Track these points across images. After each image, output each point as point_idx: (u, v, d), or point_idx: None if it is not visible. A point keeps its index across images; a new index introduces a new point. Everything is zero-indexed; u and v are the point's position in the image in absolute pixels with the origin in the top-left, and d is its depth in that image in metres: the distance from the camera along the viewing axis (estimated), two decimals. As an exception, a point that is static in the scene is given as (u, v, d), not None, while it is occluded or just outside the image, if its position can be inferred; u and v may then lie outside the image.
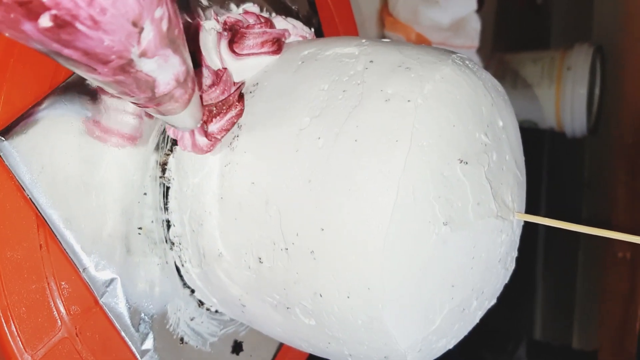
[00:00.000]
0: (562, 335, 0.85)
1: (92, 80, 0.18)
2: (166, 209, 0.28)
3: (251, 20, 0.29)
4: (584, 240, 0.82)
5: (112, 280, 0.25)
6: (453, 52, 0.25)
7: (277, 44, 0.28)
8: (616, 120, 0.74)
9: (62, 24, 0.15)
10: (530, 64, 0.69)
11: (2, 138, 0.22)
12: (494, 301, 0.27)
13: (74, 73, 0.24)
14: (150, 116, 0.27)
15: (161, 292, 0.27)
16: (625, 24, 0.74)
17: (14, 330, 0.23)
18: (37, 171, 0.23)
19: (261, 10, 0.31)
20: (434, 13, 0.54)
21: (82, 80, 0.24)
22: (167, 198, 0.28)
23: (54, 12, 0.14)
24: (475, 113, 0.24)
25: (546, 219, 0.25)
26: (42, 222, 0.24)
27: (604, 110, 0.70)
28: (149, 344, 0.27)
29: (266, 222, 0.24)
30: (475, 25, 0.57)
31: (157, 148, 0.27)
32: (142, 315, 0.27)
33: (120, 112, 0.26)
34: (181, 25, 0.19)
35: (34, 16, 0.14)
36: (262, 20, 0.29)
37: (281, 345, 0.34)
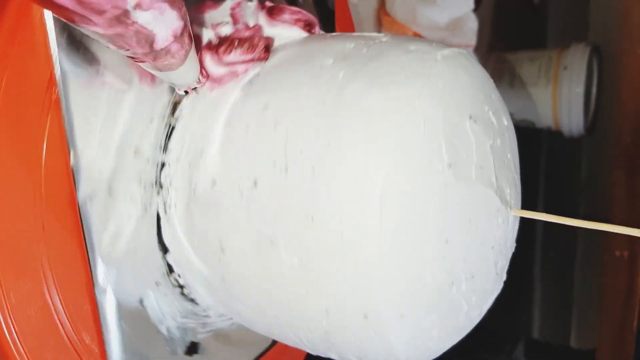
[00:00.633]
0: (560, 334, 0.85)
1: (92, 34, 0.19)
2: (165, 149, 0.28)
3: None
4: (582, 239, 0.83)
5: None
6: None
7: (309, 27, 0.30)
8: (613, 119, 0.74)
9: None
10: (528, 63, 0.69)
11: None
12: (481, 310, 0.27)
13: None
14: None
15: (130, 248, 0.27)
16: (621, 23, 0.74)
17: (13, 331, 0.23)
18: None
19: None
20: (431, 12, 0.54)
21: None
22: (169, 139, 0.28)
23: None
24: (486, 93, 0.26)
25: (542, 214, 0.25)
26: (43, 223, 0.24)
27: (601, 109, 0.70)
28: (110, 295, 0.26)
29: (271, 141, 0.24)
30: (472, 24, 0.57)
31: (172, 89, 0.28)
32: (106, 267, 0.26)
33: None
34: None
35: None
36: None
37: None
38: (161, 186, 0.28)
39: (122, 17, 0.18)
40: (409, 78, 0.23)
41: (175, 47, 0.21)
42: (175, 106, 0.28)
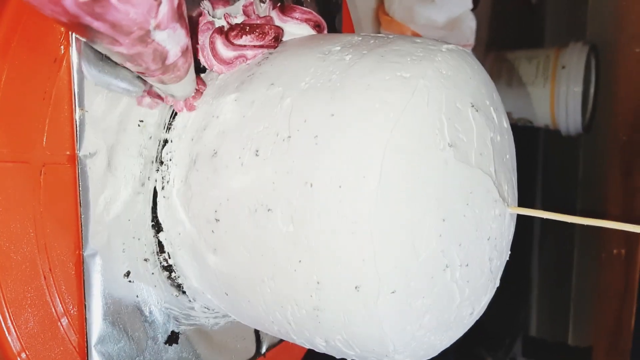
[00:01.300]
0: (557, 332, 0.85)
1: (112, 54, 0.20)
2: (169, 128, 0.28)
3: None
4: (579, 237, 0.83)
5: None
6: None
7: (318, 28, 0.31)
8: (610, 118, 0.74)
9: None
10: (525, 62, 0.69)
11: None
12: (473, 309, 0.27)
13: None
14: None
15: (123, 217, 0.27)
16: (619, 22, 0.75)
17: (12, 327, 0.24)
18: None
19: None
20: (430, 12, 0.54)
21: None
22: (174, 118, 0.28)
23: None
24: (487, 90, 0.26)
25: (539, 210, 0.26)
26: (39, 223, 0.24)
27: (598, 108, 0.70)
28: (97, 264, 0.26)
29: (276, 114, 0.25)
30: (470, 23, 0.57)
31: None
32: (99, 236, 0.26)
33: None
34: (184, 2, 0.21)
35: None
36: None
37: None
38: (161, 163, 0.28)
39: (144, 37, 0.19)
40: (415, 61, 0.24)
41: (181, 61, 0.23)
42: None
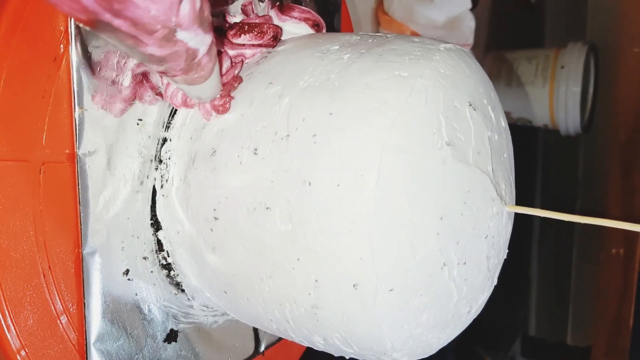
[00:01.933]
0: (556, 331, 0.85)
1: (141, 57, 0.20)
2: (168, 126, 0.28)
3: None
4: (578, 237, 0.83)
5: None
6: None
7: (317, 27, 0.31)
8: (610, 117, 0.74)
9: None
10: (525, 62, 0.69)
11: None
12: (471, 308, 0.27)
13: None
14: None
15: (123, 216, 0.27)
16: (618, 22, 0.75)
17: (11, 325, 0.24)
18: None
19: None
20: (429, 11, 0.54)
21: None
22: (173, 117, 0.28)
23: None
24: (485, 89, 0.26)
25: (536, 209, 0.26)
26: (39, 223, 0.24)
27: (597, 108, 0.70)
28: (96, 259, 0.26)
29: (274, 113, 0.25)
30: (469, 23, 0.57)
31: None
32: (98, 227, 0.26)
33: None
34: (209, 9, 0.21)
35: None
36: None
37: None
38: (160, 161, 0.28)
39: (169, 36, 0.19)
40: (412, 60, 0.24)
41: (205, 59, 0.23)
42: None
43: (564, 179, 0.84)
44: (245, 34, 0.28)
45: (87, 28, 0.18)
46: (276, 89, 0.25)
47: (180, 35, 0.19)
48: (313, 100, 0.24)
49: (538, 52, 0.70)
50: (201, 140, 0.27)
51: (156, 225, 0.28)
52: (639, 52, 0.73)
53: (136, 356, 0.28)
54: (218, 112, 0.27)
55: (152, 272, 0.28)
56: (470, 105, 0.25)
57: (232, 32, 0.28)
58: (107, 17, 0.17)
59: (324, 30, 0.32)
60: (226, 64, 0.27)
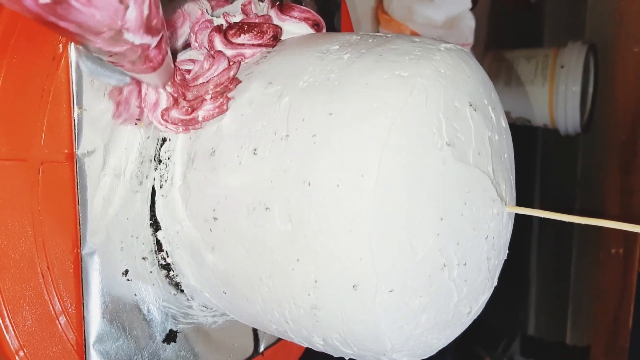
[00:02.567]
0: (555, 331, 0.85)
1: (92, 49, 0.21)
2: None
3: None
4: (578, 237, 0.83)
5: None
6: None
7: (317, 27, 0.31)
8: (609, 117, 0.74)
9: (58, 1, 0.16)
10: (524, 61, 0.69)
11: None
12: (471, 309, 0.27)
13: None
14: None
15: (121, 216, 0.27)
16: (618, 22, 0.75)
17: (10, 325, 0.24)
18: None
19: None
20: (429, 11, 0.54)
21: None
22: None
23: None
24: (485, 89, 0.26)
25: (536, 210, 0.26)
26: (37, 224, 0.24)
27: (596, 107, 0.70)
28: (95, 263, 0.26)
29: (274, 112, 0.25)
30: (469, 23, 0.57)
31: None
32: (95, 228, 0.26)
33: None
34: (161, 17, 0.21)
35: None
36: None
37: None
38: (160, 161, 0.28)
39: (116, 37, 0.20)
40: (413, 60, 0.24)
41: (154, 52, 0.23)
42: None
43: (563, 179, 0.85)
44: (244, 34, 0.28)
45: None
46: (276, 89, 0.25)
47: (128, 36, 0.20)
48: (313, 100, 0.24)
49: (537, 52, 0.70)
50: (200, 140, 0.27)
51: (155, 225, 0.28)
52: (638, 52, 0.73)
53: (135, 357, 0.27)
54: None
55: (151, 272, 0.28)
56: (471, 105, 0.25)
57: (231, 32, 0.28)
58: (52, 19, 0.17)
59: (324, 30, 0.32)
60: (222, 65, 0.27)
